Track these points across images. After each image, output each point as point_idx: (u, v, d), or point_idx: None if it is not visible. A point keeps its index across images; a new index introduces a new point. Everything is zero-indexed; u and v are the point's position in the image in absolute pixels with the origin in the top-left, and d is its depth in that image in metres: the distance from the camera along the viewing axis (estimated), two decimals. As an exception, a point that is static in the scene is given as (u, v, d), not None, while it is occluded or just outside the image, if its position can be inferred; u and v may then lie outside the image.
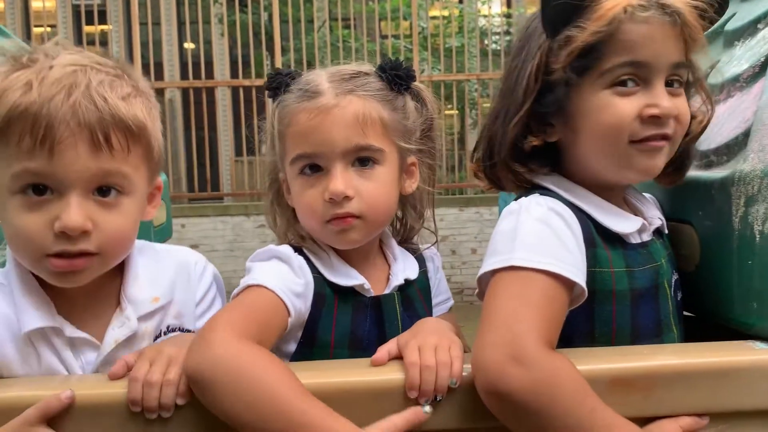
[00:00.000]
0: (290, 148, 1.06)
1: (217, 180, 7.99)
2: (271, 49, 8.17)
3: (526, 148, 1.04)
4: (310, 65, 8.62)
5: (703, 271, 1.08)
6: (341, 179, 1.01)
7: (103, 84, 0.89)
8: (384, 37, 9.58)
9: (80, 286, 0.95)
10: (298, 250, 1.07)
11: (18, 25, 8.41)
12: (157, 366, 0.86)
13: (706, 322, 1.12)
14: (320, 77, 1.07)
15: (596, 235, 1.00)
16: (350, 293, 1.05)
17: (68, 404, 0.84)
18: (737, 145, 1.05)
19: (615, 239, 1.02)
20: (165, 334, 1.02)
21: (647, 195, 1.18)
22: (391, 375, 0.90)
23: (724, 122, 1.12)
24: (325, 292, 1.04)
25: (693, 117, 1.05)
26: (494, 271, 0.93)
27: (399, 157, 1.09)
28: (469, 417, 0.89)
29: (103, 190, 0.90)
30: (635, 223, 1.04)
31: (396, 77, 1.08)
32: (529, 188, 1.07)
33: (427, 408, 0.87)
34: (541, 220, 0.96)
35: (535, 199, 1.01)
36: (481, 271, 0.96)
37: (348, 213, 1.01)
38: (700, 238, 1.08)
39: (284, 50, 8.54)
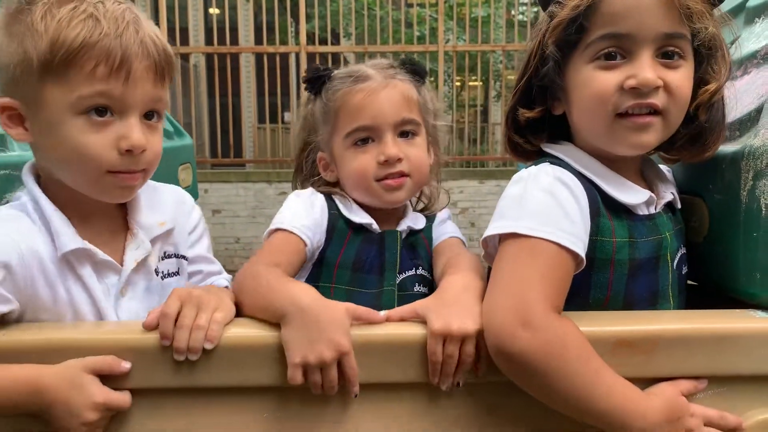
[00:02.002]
0: (343, 124, 1.24)
1: (240, 146, 8.07)
2: (296, 15, 8.14)
3: (521, 120, 1.09)
4: (335, 33, 8.60)
5: (711, 242, 1.11)
6: (393, 145, 1.22)
7: (149, 23, 1.02)
8: (409, 5, 9.49)
9: (96, 216, 1.06)
10: (325, 194, 1.28)
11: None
12: (187, 310, 0.93)
13: (715, 294, 1.16)
14: (364, 66, 1.27)
15: (602, 206, 1.03)
16: (362, 229, 1.25)
17: (122, 373, 0.92)
18: (750, 121, 1.07)
19: (621, 209, 1.05)
20: (162, 259, 1.12)
21: (665, 168, 1.21)
22: (410, 330, 0.95)
23: (740, 98, 1.14)
24: (338, 225, 1.24)
25: (703, 84, 1.03)
26: (502, 237, 0.97)
27: (426, 132, 1.29)
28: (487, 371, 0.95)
29: (148, 114, 1.01)
30: (642, 195, 1.06)
31: (414, 71, 1.29)
32: (541, 156, 1.11)
33: None
34: (547, 191, 0.98)
35: (543, 168, 1.03)
36: (488, 233, 1.00)
37: (400, 172, 1.23)
38: (709, 210, 1.11)
39: (309, 17, 8.51)
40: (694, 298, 1.16)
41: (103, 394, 0.90)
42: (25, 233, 0.99)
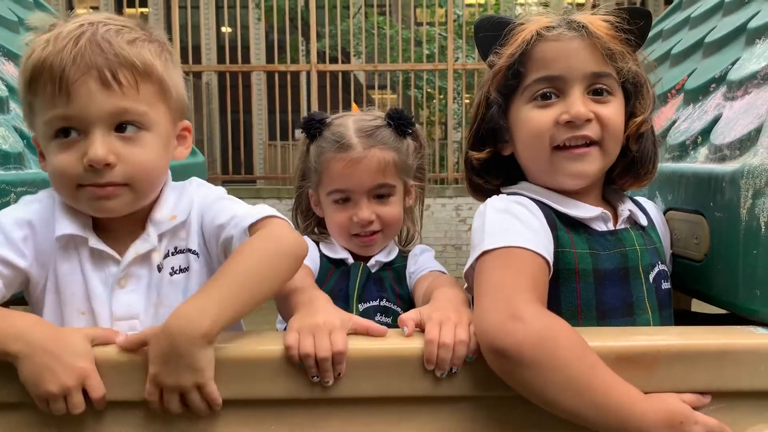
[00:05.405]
0: (326, 184, 1.40)
1: (251, 163, 8.14)
2: (306, 34, 8.25)
3: (475, 163, 1.20)
4: (345, 51, 8.69)
5: (712, 259, 1.13)
6: (366, 209, 1.37)
7: (108, 32, 1.00)
8: (419, 24, 9.59)
9: (119, 218, 1.06)
10: (314, 241, 1.46)
11: (61, 6, 8.64)
12: None
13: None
14: (349, 130, 1.37)
15: (557, 220, 1.11)
16: (342, 263, 1.42)
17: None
18: (749, 140, 1.09)
19: (578, 225, 1.13)
20: (172, 255, 1.10)
21: (629, 194, 1.25)
22: (412, 344, 0.97)
23: (740, 118, 1.17)
24: (323, 263, 1.41)
25: (632, 117, 1.13)
26: (475, 262, 1.04)
27: (403, 186, 1.44)
28: (480, 386, 0.97)
29: (122, 126, 1.00)
30: (593, 211, 1.13)
31: (401, 124, 1.40)
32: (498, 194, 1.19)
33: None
34: (503, 210, 1.09)
35: (497, 196, 1.15)
36: (465, 268, 1.08)
37: (372, 231, 1.40)
38: (710, 228, 1.13)
39: (320, 36, 8.62)
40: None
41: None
42: (49, 208, 1.07)
